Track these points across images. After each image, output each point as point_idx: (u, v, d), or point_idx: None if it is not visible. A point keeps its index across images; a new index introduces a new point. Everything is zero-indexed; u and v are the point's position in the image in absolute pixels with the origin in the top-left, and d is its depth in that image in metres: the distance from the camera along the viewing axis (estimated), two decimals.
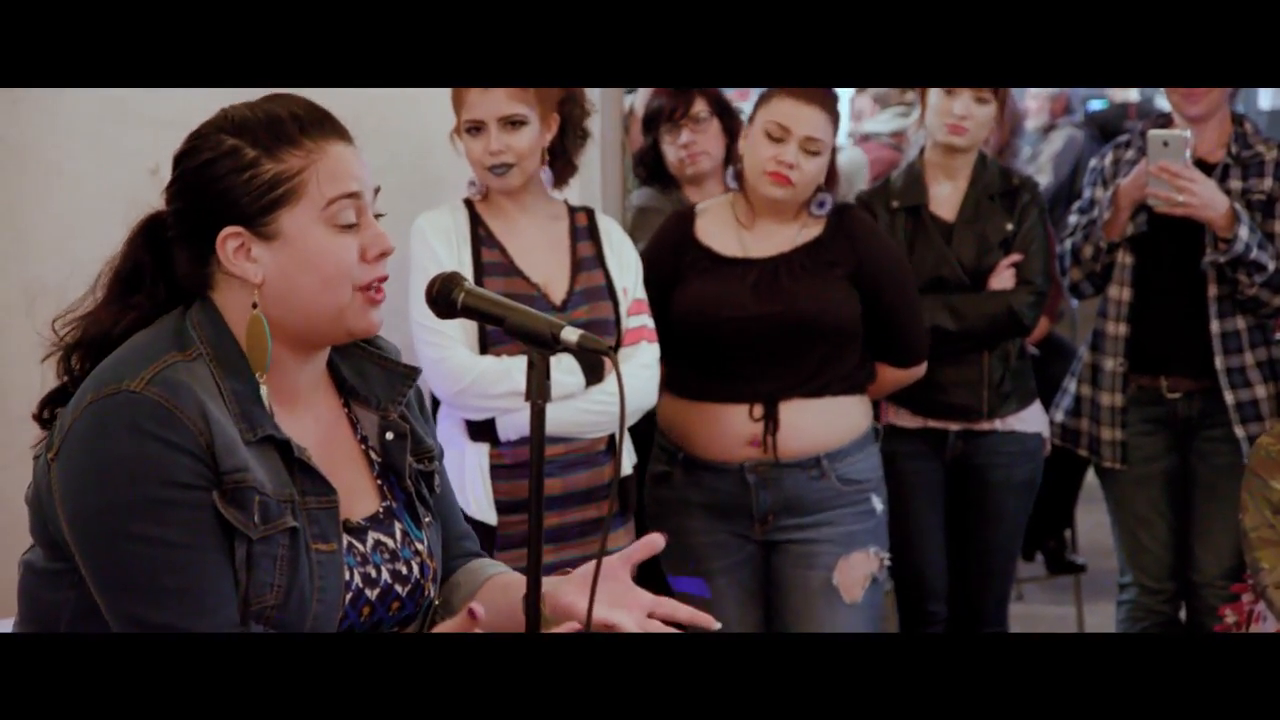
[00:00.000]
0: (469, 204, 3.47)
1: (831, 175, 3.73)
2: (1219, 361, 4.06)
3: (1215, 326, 4.06)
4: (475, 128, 3.37)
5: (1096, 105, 9.28)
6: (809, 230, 3.72)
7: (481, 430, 3.34)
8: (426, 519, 2.21)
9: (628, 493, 3.54)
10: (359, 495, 2.15)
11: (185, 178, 2.07)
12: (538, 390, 2.03)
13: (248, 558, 1.98)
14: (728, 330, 3.64)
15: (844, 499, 3.70)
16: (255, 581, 1.98)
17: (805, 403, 3.66)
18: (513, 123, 3.35)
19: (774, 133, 3.62)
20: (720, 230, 3.75)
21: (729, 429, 3.67)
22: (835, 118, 3.70)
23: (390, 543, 2.14)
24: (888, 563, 3.76)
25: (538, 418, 2.03)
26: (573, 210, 3.54)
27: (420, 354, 3.29)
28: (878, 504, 3.76)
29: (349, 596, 2.06)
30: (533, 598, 2.04)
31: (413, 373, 2.24)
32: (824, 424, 3.68)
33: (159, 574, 1.93)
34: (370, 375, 2.21)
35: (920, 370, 3.89)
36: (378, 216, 2.11)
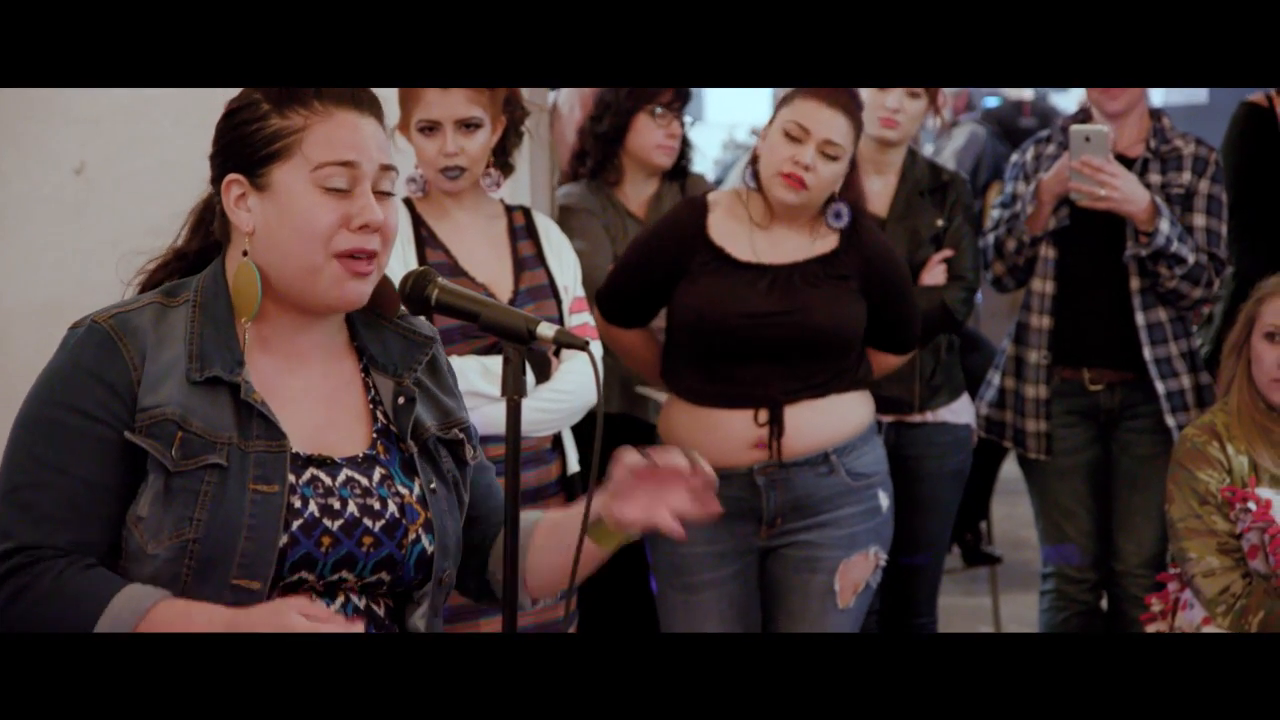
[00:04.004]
0: (409, 203, 3.44)
1: (854, 187, 3.68)
2: (1147, 352, 4.13)
3: (1140, 319, 4.12)
4: (429, 128, 3.35)
5: (991, 102, 9.39)
6: (823, 242, 3.66)
7: None
8: (431, 484, 2.22)
9: (574, 490, 3.52)
10: (347, 441, 2.20)
11: (218, 126, 2.18)
12: (513, 386, 2.04)
13: (165, 490, 2.06)
14: (738, 334, 3.57)
15: (852, 495, 3.66)
16: (174, 514, 2.05)
17: (810, 404, 3.61)
18: (469, 125, 3.33)
19: (792, 132, 3.55)
20: (733, 229, 3.66)
21: (733, 433, 3.60)
22: (858, 124, 3.62)
23: (364, 481, 2.17)
24: (883, 563, 3.73)
25: (513, 413, 2.04)
26: (509, 209, 3.53)
27: None
28: (884, 500, 3.72)
29: (299, 524, 2.09)
30: (510, 589, 2.04)
31: (429, 342, 2.28)
32: (829, 422, 3.64)
33: (19, 486, 2.07)
34: (390, 344, 2.26)
35: (911, 353, 3.90)
36: (387, 194, 2.15)
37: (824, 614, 3.65)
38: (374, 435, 2.22)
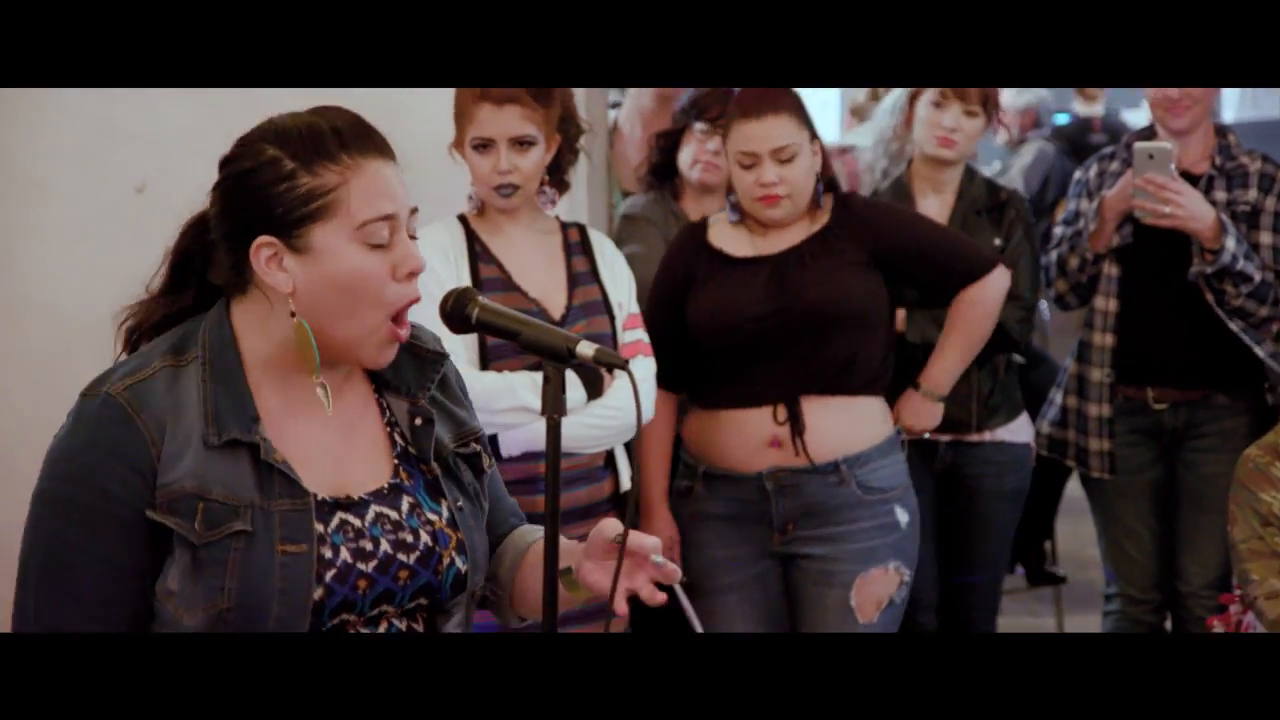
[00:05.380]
0: (463, 219, 3.45)
1: (827, 164, 3.68)
2: (1260, 351, 4.06)
3: (1234, 325, 4.06)
4: (483, 145, 3.35)
5: (1061, 119, 9.33)
6: (818, 221, 3.68)
7: None
8: (458, 502, 2.21)
9: (623, 508, 3.50)
10: (368, 474, 2.18)
11: (227, 183, 2.11)
12: (553, 405, 2.04)
13: (193, 563, 2.03)
14: (743, 331, 3.59)
15: (865, 509, 3.62)
16: (205, 586, 2.02)
17: (825, 400, 3.59)
18: (522, 143, 3.33)
19: (744, 162, 3.60)
20: (733, 234, 3.71)
21: (752, 434, 3.62)
22: (794, 111, 3.61)
23: (394, 515, 2.15)
24: (908, 579, 3.69)
25: (553, 432, 2.03)
26: (565, 226, 3.53)
27: None
28: (902, 515, 3.68)
29: (332, 574, 2.07)
30: (549, 605, 2.04)
31: (440, 358, 2.27)
32: (845, 425, 3.61)
33: (48, 567, 2.04)
34: (401, 364, 2.23)
35: (996, 276, 3.73)
36: (411, 237, 2.13)
37: (844, 630, 3.62)
38: (395, 461, 2.20)
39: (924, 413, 3.87)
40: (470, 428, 2.28)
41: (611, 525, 2.14)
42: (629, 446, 3.57)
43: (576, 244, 3.51)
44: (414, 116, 3.62)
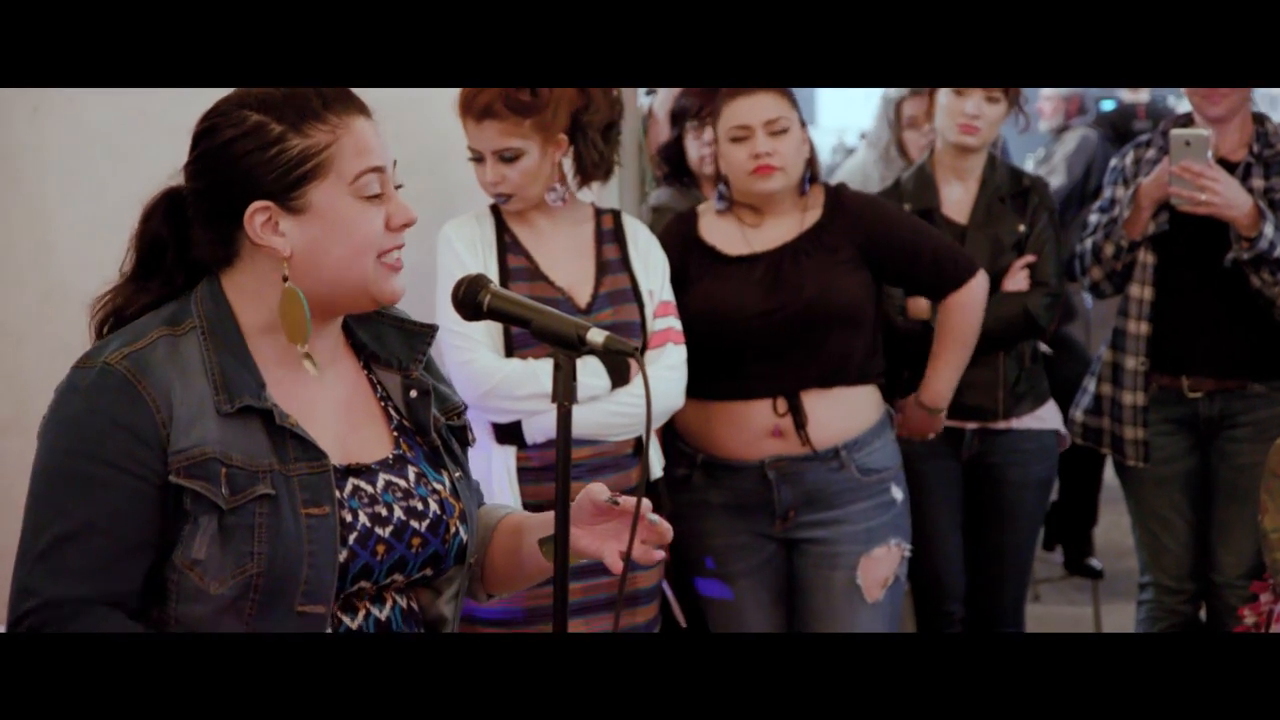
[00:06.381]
0: (495, 210, 3.48)
1: (812, 154, 3.75)
2: None
3: None
4: (476, 157, 3.41)
5: (1107, 106, 9.27)
6: (810, 216, 3.72)
7: (507, 433, 3.35)
8: (457, 473, 2.25)
9: (657, 495, 3.52)
10: (372, 444, 2.20)
11: (207, 157, 2.11)
12: (564, 392, 2.06)
13: (220, 529, 2.02)
14: (740, 329, 3.63)
15: (864, 490, 3.68)
16: (234, 552, 2.03)
17: (822, 393, 3.64)
18: (506, 156, 3.37)
19: (737, 135, 3.65)
20: (724, 228, 3.75)
21: (752, 425, 3.65)
22: (784, 94, 3.68)
23: (402, 483, 2.18)
24: (908, 553, 3.74)
25: (564, 419, 2.05)
26: (599, 213, 3.55)
27: (447, 357, 3.30)
28: (897, 493, 3.73)
29: (354, 537, 2.09)
30: (560, 598, 2.05)
31: (429, 331, 2.29)
32: (842, 414, 3.66)
33: (51, 543, 2.00)
34: (388, 338, 2.26)
35: (979, 280, 3.78)
36: (398, 187, 2.17)
37: (852, 611, 3.68)
38: (394, 433, 2.23)
39: (926, 424, 3.95)
40: (454, 403, 2.31)
41: (598, 489, 2.18)
42: (660, 434, 3.59)
43: (609, 231, 3.53)
44: (439, 109, 3.66)
